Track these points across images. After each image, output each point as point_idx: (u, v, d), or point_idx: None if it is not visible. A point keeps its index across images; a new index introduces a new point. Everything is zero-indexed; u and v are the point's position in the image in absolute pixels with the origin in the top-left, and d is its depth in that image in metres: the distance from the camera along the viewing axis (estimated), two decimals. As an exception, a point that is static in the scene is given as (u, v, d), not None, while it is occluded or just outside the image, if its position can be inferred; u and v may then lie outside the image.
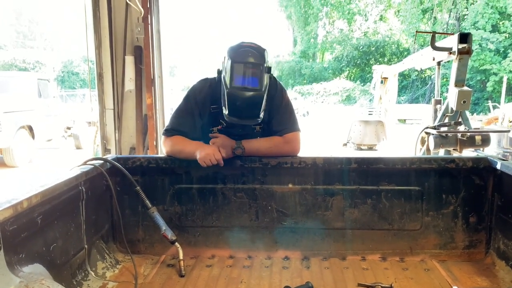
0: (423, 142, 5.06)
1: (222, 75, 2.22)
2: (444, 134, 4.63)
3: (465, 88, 4.51)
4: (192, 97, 2.45)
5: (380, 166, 2.46)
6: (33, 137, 9.93)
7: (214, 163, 2.32)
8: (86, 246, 2.20)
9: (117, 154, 4.44)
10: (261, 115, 2.24)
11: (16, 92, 10.18)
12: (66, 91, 22.48)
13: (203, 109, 2.44)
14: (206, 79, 2.50)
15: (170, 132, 2.47)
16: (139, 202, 2.41)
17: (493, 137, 6.71)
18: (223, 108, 2.22)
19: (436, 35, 4.89)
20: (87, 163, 2.33)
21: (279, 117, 2.45)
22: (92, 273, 2.21)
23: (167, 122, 4.64)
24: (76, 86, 29.36)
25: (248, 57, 2.15)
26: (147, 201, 2.37)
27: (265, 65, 2.16)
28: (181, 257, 2.32)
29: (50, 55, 32.90)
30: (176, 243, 2.35)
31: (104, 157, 2.55)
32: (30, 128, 9.80)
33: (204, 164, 2.32)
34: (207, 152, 2.31)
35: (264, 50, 2.23)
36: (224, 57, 2.22)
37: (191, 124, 2.45)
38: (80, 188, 2.13)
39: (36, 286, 1.48)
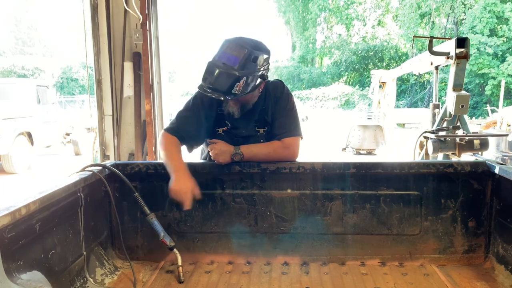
0: (421, 146, 5.07)
1: None
2: (442, 139, 4.64)
3: (463, 92, 4.53)
4: (199, 98, 2.46)
5: (379, 171, 2.46)
6: (32, 143, 9.93)
7: (179, 201, 2.24)
8: (84, 252, 2.20)
9: (116, 160, 4.44)
10: (233, 96, 2.22)
11: (15, 98, 10.19)
12: (65, 97, 22.52)
13: (210, 110, 2.46)
14: None
15: (171, 130, 2.46)
16: (138, 208, 2.41)
17: (492, 141, 6.71)
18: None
19: (434, 39, 4.91)
20: (86, 169, 2.33)
21: (281, 120, 2.46)
22: (91, 280, 2.21)
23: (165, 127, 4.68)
24: (75, 92, 29.40)
25: (239, 41, 2.23)
26: (146, 208, 2.36)
27: (252, 53, 2.18)
28: (179, 263, 2.32)
29: (49, 61, 32.97)
30: (175, 249, 2.35)
31: (102, 163, 2.55)
32: (29, 135, 9.80)
33: (171, 196, 2.26)
34: (178, 189, 2.23)
35: (262, 46, 2.29)
36: None
37: (195, 124, 2.45)
38: (78, 194, 2.13)
39: (34, 294, 1.48)
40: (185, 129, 2.45)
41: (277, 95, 2.45)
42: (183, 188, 2.24)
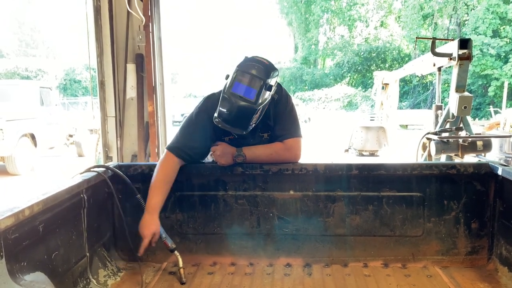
0: (424, 148, 5.06)
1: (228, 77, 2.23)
2: (445, 140, 4.63)
3: (466, 93, 4.52)
4: (205, 112, 2.40)
5: (381, 172, 2.46)
6: (35, 145, 9.96)
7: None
8: (87, 254, 2.20)
9: (119, 161, 4.45)
10: (249, 128, 2.23)
11: (18, 100, 10.22)
12: (68, 98, 22.57)
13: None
14: (213, 94, 2.46)
15: (175, 150, 2.41)
16: (140, 209, 2.40)
17: (495, 142, 6.70)
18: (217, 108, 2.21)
19: (437, 41, 4.90)
20: (89, 170, 2.34)
21: (282, 122, 2.45)
22: (94, 281, 2.21)
23: (168, 129, 4.70)
24: (78, 94, 29.46)
25: (253, 69, 2.16)
26: None
27: (267, 82, 2.15)
28: (181, 265, 2.32)
29: (52, 63, 33.04)
30: (176, 252, 2.35)
31: (106, 164, 2.56)
32: (32, 136, 9.83)
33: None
34: (141, 231, 2.29)
35: (273, 68, 2.23)
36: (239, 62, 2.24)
37: (201, 139, 2.42)
38: (81, 195, 2.14)
39: (38, 295, 1.49)
40: (190, 146, 2.42)
41: (276, 98, 2.42)
42: (145, 232, 2.29)
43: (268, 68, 2.20)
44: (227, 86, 2.16)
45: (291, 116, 2.47)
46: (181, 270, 2.31)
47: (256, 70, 2.16)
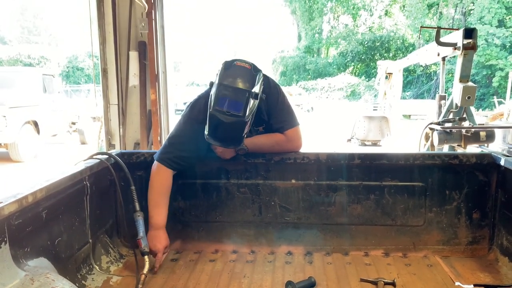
0: (427, 138, 5.05)
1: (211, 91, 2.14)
2: (448, 130, 4.62)
3: (470, 83, 4.49)
4: (193, 120, 2.37)
5: (384, 161, 2.46)
6: (38, 132, 9.98)
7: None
8: (90, 240, 2.22)
9: (121, 149, 4.46)
10: (242, 139, 2.21)
11: (21, 87, 10.20)
12: (71, 86, 22.57)
13: None
14: (199, 99, 2.41)
15: (166, 162, 2.36)
16: (143, 197, 2.41)
17: (498, 133, 6.67)
18: (206, 126, 2.15)
19: (441, 30, 4.87)
20: (92, 157, 2.35)
21: (277, 115, 2.42)
22: (97, 267, 2.23)
23: (171, 117, 4.70)
24: (80, 82, 29.42)
25: (237, 82, 2.05)
26: (137, 204, 2.36)
27: (252, 91, 2.06)
28: (145, 271, 2.19)
29: (55, 50, 32.92)
30: (146, 257, 2.24)
31: (108, 151, 2.56)
32: (35, 123, 9.84)
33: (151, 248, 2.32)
34: (153, 247, 2.31)
35: (256, 72, 2.14)
36: (218, 71, 2.14)
37: (192, 148, 2.38)
38: (84, 182, 2.15)
39: (41, 280, 1.50)
40: (180, 156, 2.38)
41: (266, 91, 2.33)
42: (158, 247, 2.33)
43: (251, 75, 2.11)
44: (212, 102, 2.05)
45: (284, 106, 2.44)
46: (142, 276, 2.15)
47: (240, 80, 2.06)
